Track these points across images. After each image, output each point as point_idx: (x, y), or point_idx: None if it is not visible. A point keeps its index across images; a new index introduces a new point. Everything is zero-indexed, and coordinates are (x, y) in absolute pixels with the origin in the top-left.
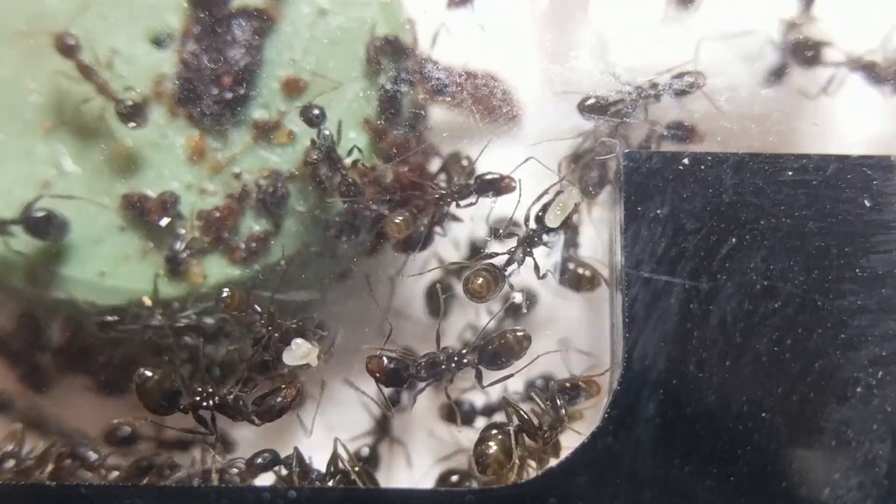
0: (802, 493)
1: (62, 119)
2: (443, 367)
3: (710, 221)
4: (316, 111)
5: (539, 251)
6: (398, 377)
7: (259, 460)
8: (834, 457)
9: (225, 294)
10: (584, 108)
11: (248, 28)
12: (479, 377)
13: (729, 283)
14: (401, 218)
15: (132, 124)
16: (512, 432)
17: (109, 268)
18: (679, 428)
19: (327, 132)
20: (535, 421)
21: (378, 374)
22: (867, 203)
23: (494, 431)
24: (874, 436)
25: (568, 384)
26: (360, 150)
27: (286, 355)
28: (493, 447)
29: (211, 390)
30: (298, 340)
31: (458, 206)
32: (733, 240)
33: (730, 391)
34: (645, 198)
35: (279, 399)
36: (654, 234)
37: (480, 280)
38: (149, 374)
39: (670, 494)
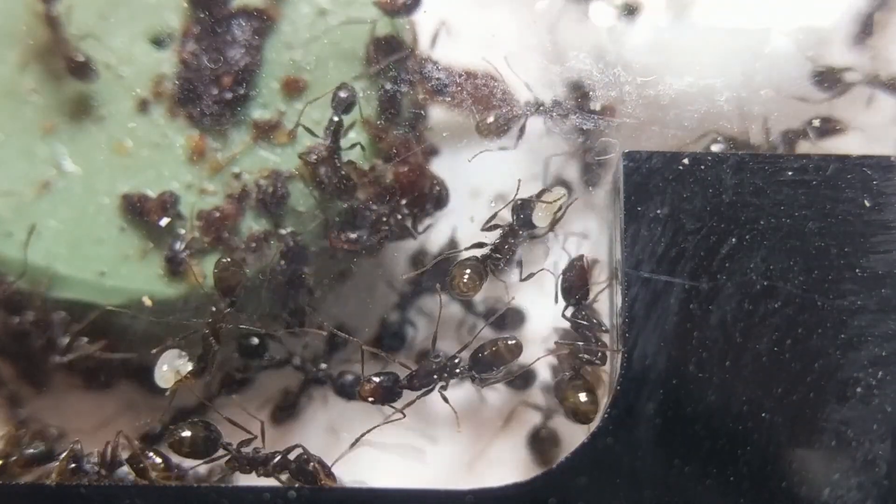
0: (802, 493)
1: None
2: (435, 376)
3: (710, 221)
4: (343, 94)
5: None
6: (392, 393)
7: (30, 450)
8: (834, 457)
9: (226, 261)
10: (815, 78)
11: (248, 28)
12: (475, 381)
13: (729, 283)
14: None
15: (80, 80)
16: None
17: (109, 268)
18: (679, 428)
19: (336, 118)
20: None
21: (373, 398)
22: (867, 203)
23: (570, 381)
24: (874, 436)
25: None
26: (363, 148)
27: (156, 372)
28: (582, 397)
29: (245, 450)
30: (176, 359)
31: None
32: (733, 240)
33: (730, 391)
34: (645, 198)
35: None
36: (654, 234)
37: (466, 277)
38: (185, 434)
39: (670, 494)
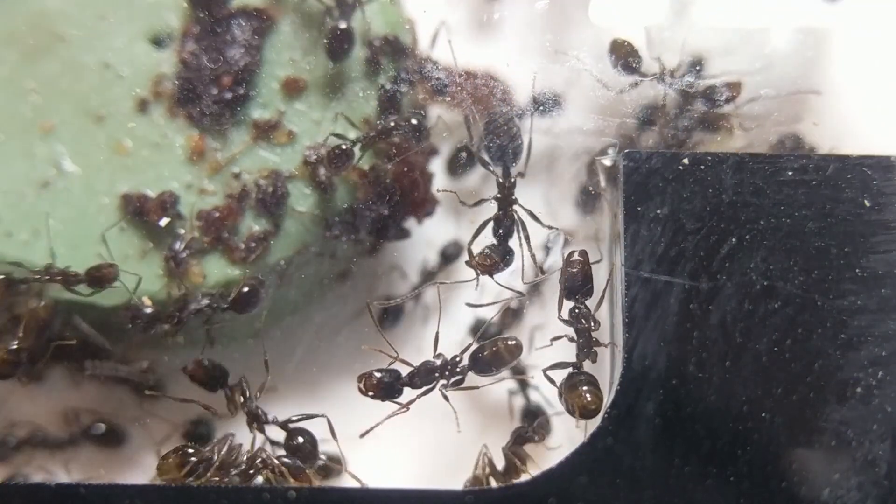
0: (802, 493)
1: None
2: (436, 374)
3: (710, 221)
4: (415, 121)
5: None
6: (392, 390)
7: None
8: (834, 457)
9: None
10: None
11: (248, 28)
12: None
13: (729, 283)
14: None
15: None
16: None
17: None
18: (679, 428)
19: (415, 121)
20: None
21: (372, 393)
22: (867, 203)
23: (573, 378)
24: (874, 436)
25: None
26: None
27: None
28: (587, 395)
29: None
30: None
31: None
32: (733, 240)
33: (730, 391)
34: (645, 198)
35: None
36: (654, 234)
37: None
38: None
39: (670, 494)
